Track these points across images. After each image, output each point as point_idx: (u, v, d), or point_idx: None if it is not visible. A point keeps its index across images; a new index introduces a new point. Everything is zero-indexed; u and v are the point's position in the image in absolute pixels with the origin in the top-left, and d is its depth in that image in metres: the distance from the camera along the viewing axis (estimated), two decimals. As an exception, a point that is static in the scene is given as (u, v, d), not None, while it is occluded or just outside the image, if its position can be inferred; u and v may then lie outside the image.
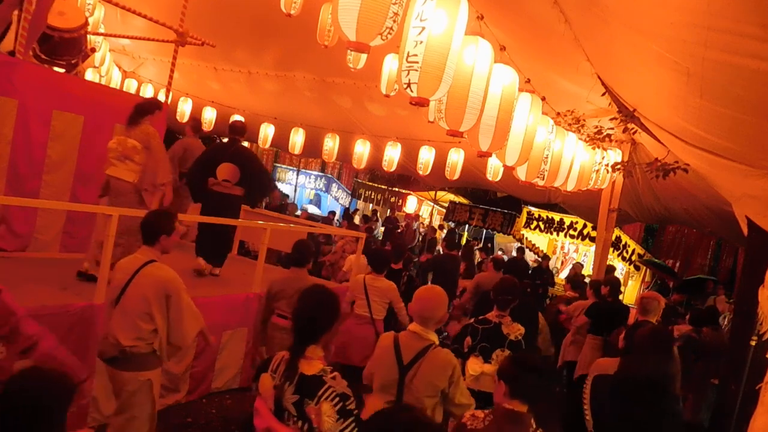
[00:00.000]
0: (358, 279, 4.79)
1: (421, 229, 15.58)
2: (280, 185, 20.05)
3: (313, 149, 9.89)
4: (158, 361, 2.96)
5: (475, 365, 3.46)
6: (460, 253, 9.26)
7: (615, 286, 5.91)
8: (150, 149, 4.33)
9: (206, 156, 5.52)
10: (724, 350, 5.64)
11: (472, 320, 3.72)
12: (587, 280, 7.85)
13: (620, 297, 6.78)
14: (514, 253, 13.08)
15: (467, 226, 14.88)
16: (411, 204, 15.83)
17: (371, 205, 17.67)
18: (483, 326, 3.60)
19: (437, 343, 2.61)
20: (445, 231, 14.83)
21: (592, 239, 10.91)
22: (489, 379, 3.34)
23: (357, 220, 14.15)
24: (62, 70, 5.63)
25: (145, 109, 4.44)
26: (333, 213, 12.79)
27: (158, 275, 2.88)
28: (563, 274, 12.84)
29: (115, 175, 4.28)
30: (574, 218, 12.46)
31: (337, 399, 1.90)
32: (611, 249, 11.05)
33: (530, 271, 10.07)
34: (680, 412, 2.51)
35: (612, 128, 5.47)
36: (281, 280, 4.00)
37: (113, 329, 2.86)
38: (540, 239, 13.82)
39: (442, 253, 9.63)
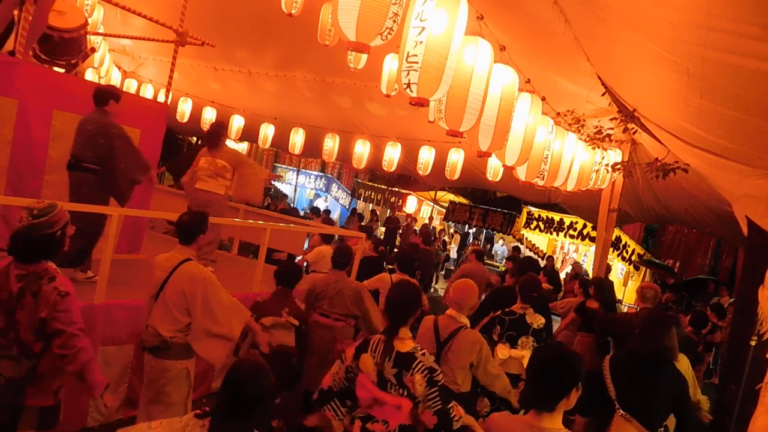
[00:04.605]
0: (385, 279, 5.01)
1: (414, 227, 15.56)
2: (280, 185, 20.08)
3: (313, 149, 9.89)
4: (194, 351, 3.13)
5: (503, 350, 3.84)
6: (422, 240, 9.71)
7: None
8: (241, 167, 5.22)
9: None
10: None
11: (499, 312, 4.02)
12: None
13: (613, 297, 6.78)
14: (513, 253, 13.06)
15: (467, 226, 14.88)
16: (411, 204, 15.81)
17: (371, 205, 17.66)
18: (509, 317, 3.97)
19: (468, 325, 3.17)
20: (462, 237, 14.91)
21: (592, 239, 10.91)
22: (515, 362, 3.81)
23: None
24: (62, 70, 5.62)
25: (221, 132, 5.27)
26: (327, 212, 12.80)
27: (194, 273, 3.06)
28: (562, 274, 12.83)
29: (207, 188, 5.04)
30: (574, 218, 12.46)
31: (426, 371, 2.41)
32: (611, 249, 11.05)
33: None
34: (679, 375, 2.97)
35: (612, 128, 5.47)
36: (323, 282, 4.22)
37: (154, 322, 3.06)
38: (540, 239, 13.82)
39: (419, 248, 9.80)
